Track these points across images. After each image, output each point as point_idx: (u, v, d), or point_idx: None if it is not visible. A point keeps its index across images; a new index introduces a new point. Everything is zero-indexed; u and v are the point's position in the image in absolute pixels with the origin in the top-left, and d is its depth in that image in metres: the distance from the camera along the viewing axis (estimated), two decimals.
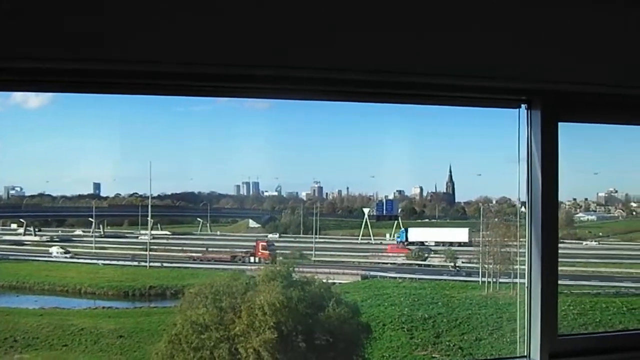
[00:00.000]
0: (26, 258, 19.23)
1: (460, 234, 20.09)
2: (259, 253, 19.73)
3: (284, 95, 5.58)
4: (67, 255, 19.57)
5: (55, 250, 19.65)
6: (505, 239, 18.41)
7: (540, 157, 5.01)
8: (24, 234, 19.94)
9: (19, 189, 19.36)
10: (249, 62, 4.22)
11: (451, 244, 20.05)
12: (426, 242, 20.13)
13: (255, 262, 19.47)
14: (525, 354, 5.15)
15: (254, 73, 4.32)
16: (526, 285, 5.22)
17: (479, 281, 18.57)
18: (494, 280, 18.25)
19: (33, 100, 18.21)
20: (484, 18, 4.56)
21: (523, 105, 5.14)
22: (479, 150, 21.17)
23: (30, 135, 19.17)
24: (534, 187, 5.11)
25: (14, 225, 19.89)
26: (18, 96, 17.76)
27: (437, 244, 20.08)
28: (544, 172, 5.02)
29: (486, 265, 18.55)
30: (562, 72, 4.73)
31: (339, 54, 4.33)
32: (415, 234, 20.26)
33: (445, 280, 18.84)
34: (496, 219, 19.58)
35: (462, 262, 19.58)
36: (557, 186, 5.06)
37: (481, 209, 20.46)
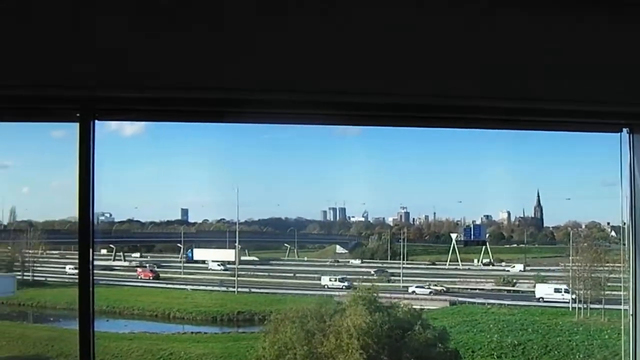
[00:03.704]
0: (115, 283, 19.68)
1: (229, 254, 20.36)
2: None
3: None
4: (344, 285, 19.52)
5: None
6: (596, 264, 18.00)
7: None
8: (114, 259, 20.48)
9: (108, 215, 19.82)
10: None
11: (223, 262, 20.54)
12: (205, 260, 20.81)
13: None
14: None
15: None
16: (630, 312, 5.08)
17: (569, 307, 18.16)
18: (585, 306, 17.84)
19: (128, 128, 18.77)
20: (583, 43, 4.51)
21: (624, 129, 5.05)
22: (568, 174, 20.75)
23: (122, 163, 19.64)
24: (637, 210, 4.99)
25: (103, 251, 20.20)
26: (114, 124, 18.36)
27: (214, 262, 20.65)
28: None
29: (577, 291, 18.16)
30: None
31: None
32: (199, 254, 20.96)
33: (534, 306, 18.49)
34: (585, 244, 19.14)
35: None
36: None
37: (570, 234, 20.05)
